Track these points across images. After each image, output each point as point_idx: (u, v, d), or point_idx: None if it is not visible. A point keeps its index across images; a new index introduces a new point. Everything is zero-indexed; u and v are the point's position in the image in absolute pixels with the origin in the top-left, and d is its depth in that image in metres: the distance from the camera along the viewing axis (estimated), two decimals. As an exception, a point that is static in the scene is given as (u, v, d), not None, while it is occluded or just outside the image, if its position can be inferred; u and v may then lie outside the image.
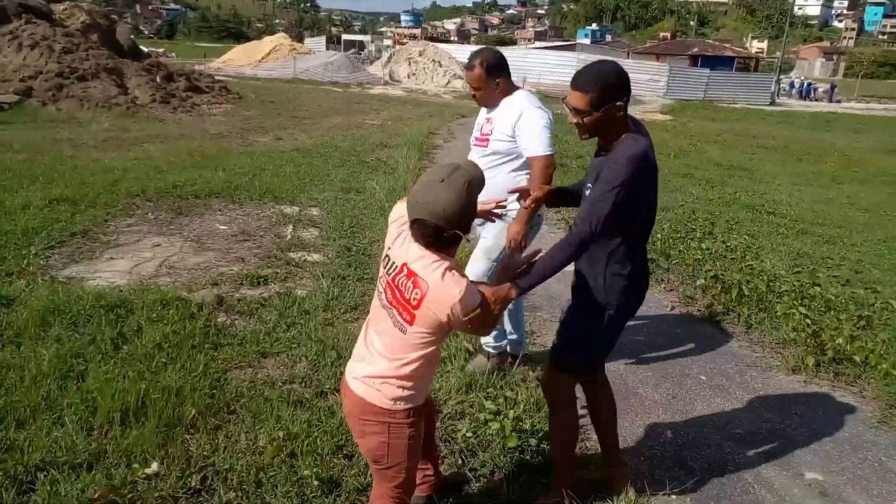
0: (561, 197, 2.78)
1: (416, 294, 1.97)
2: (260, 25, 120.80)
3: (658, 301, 5.45)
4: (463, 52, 40.08)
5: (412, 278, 1.98)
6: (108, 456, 2.74)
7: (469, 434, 3.14)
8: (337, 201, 7.53)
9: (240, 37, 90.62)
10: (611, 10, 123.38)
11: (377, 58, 42.10)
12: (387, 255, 2.10)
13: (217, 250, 5.72)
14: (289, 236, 6.22)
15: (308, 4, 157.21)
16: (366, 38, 68.57)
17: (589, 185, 2.49)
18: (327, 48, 49.64)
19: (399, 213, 2.11)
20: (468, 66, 3.52)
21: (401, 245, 2.05)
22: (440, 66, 34.22)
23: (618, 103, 2.35)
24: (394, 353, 2.05)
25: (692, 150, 15.42)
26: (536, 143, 3.38)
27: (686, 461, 3.22)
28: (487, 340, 3.87)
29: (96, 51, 15.70)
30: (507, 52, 47.16)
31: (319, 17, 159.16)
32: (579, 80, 2.37)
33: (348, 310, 4.52)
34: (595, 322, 2.56)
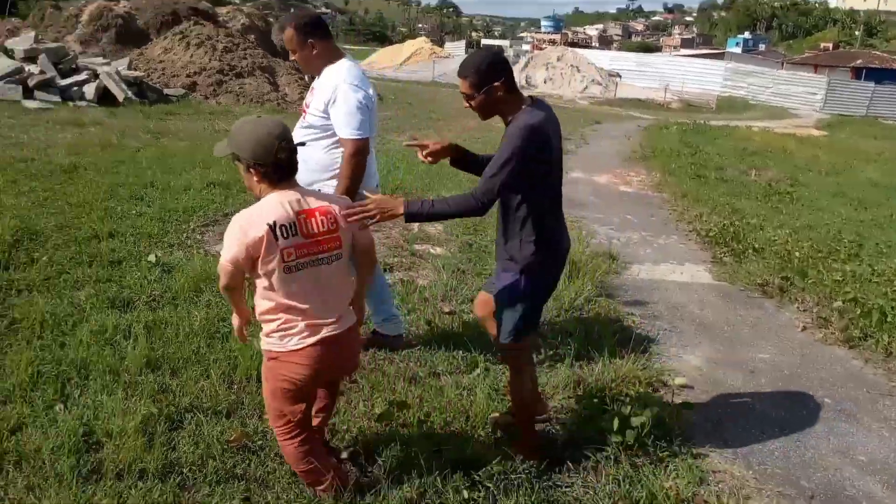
0: (463, 161, 2.90)
1: (330, 218, 2.31)
2: (403, 30, 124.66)
3: (788, 319, 5.21)
4: (603, 57, 39.49)
5: (314, 213, 2.28)
6: (244, 407, 3.07)
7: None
8: (464, 199, 7.74)
9: (384, 40, 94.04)
10: (766, 19, 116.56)
11: (514, 62, 42.37)
12: (280, 230, 2.20)
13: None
14: (415, 229, 6.49)
15: (450, 10, 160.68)
16: (504, 42, 69.11)
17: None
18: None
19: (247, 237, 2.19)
20: (280, 28, 3.36)
21: (281, 211, 2.22)
22: (578, 71, 33.91)
23: (496, 84, 2.61)
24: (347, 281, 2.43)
25: (846, 168, 14.37)
26: (346, 124, 3.18)
27: (798, 481, 3.11)
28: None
29: (253, 50, 17.00)
30: (650, 58, 45.72)
31: (461, 21, 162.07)
32: (460, 69, 2.67)
33: (465, 301, 4.69)
34: (517, 288, 2.75)
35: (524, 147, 2.54)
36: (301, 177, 2.53)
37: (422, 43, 43.45)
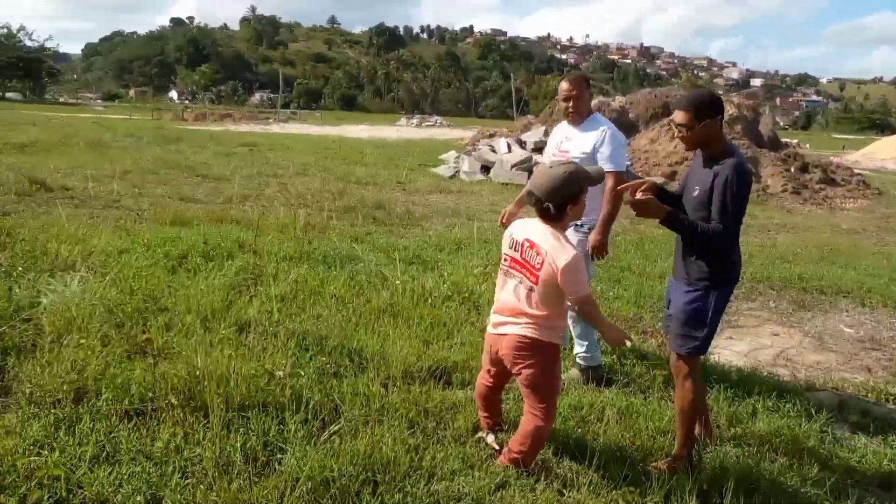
0: (665, 198, 3.30)
1: (538, 259, 2.83)
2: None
3: None
4: None
5: (534, 248, 2.86)
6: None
7: None
8: None
9: (885, 129, 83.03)
10: None
11: None
12: (509, 240, 3.00)
13: (840, 353, 5.29)
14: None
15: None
16: None
17: (696, 187, 3.15)
18: None
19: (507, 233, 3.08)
20: (567, 78, 4.25)
21: (520, 229, 2.98)
22: None
23: (718, 118, 3.07)
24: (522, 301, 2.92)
25: None
26: (612, 160, 4.02)
27: None
28: (582, 353, 4.27)
29: (737, 140, 16.62)
30: None
31: None
32: (678, 103, 3.22)
33: None
34: (706, 305, 3.15)
35: (749, 183, 3.05)
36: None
37: (941, 131, 36.67)
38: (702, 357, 3.45)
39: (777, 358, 5.06)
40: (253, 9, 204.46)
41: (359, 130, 35.29)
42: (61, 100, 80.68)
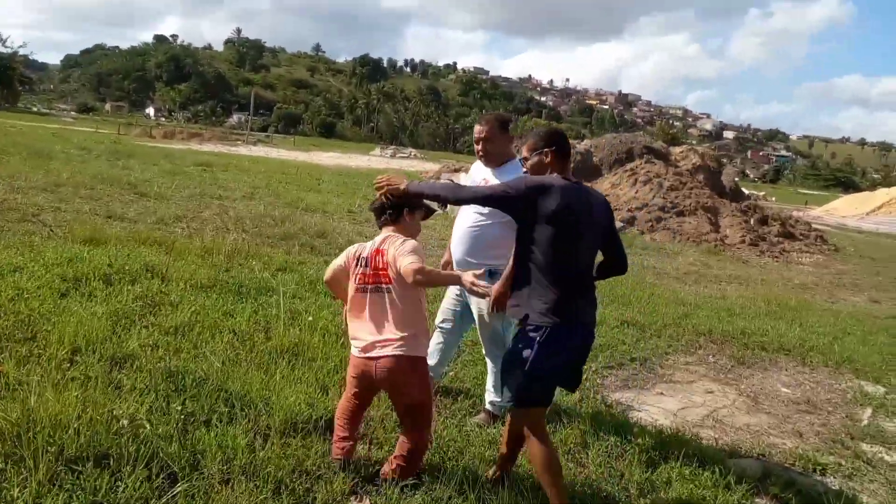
0: None
1: (385, 259, 2.93)
2: (876, 176, 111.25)
3: None
4: None
5: (380, 252, 2.97)
6: None
7: None
8: (947, 393, 5.87)
9: (849, 187, 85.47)
10: None
11: None
12: (358, 260, 3.03)
13: (773, 415, 5.05)
14: (865, 422, 5.08)
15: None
16: None
17: None
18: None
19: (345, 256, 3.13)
20: (480, 119, 4.00)
21: (366, 248, 3.06)
22: None
23: (546, 150, 3.14)
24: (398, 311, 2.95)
25: None
26: None
27: None
28: (493, 399, 4.06)
29: (699, 190, 16.70)
30: None
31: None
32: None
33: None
34: (523, 348, 2.92)
35: (524, 185, 2.96)
36: (476, 254, 3.84)
37: (899, 191, 37.68)
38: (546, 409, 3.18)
39: (706, 418, 4.78)
40: (238, 31, 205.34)
41: (327, 157, 35.00)
42: (34, 109, 79.32)
